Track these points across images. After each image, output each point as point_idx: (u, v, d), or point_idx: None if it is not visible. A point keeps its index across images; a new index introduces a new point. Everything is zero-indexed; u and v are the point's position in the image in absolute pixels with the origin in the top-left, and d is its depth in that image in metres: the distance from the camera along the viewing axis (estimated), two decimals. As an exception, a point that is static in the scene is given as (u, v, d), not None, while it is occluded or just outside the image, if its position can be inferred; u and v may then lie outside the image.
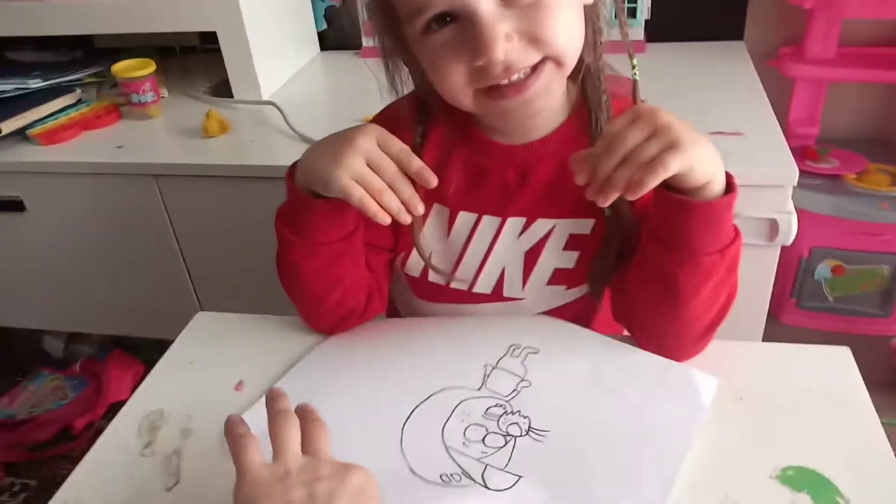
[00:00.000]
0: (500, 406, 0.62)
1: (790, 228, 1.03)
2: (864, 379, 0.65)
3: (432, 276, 0.77)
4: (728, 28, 1.48)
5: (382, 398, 0.65)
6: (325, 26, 1.65)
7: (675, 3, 1.45)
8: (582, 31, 0.63)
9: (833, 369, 0.67)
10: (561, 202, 0.71)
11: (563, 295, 0.75)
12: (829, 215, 1.44)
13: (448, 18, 0.59)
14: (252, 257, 1.28)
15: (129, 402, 0.72)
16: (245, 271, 1.32)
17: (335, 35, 1.65)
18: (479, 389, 0.64)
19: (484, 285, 0.76)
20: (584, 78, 0.68)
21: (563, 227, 0.72)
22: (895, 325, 1.59)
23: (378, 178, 0.64)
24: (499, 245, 0.74)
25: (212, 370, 0.74)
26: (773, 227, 1.03)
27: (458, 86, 0.62)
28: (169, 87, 1.50)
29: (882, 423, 0.60)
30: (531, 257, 0.74)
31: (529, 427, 0.60)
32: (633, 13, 1.43)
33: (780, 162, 1.03)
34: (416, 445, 0.60)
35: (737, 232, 0.63)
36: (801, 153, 1.49)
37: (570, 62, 0.63)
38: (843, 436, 0.60)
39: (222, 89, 1.45)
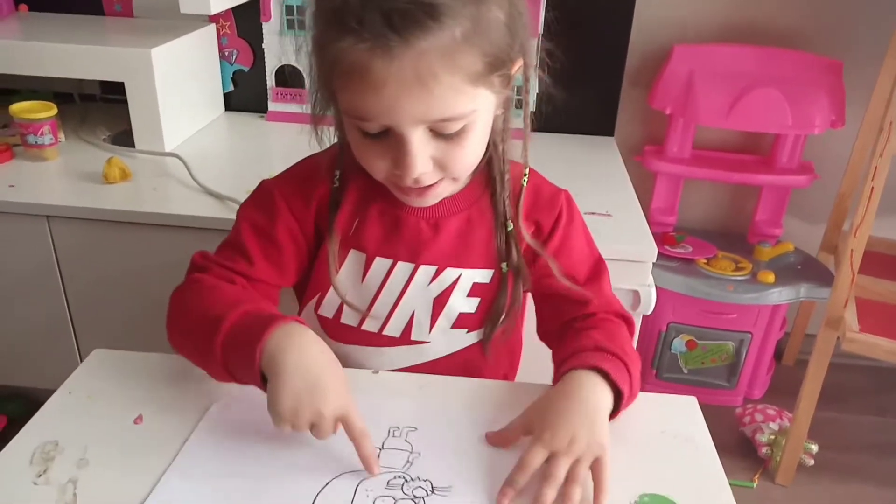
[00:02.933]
0: (400, 477, 0.66)
1: (650, 299, 1.16)
2: (714, 444, 0.75)
3: (345, 318, 0.83)
4: (601, 125, 1.66)
5: (278, 492, 0.64)
6: (231, 88, 1.70)
7: (557, 99, 1.61)
8: (485, 143, 0.72)
9: (682, 415, 0.78)
10: (467, 253, 0.80)
11: (463, 338, 0.84)
12: (684, 294, 1.61)
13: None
14: (140, 306, 1.28)
15: (20, 434, 0.71)
16: (131, 320, 1.30)
17: (241, 97, 1.71)
18: None
19: (393, 328, 0.83)
20: (490, 156, 0.78)
21: (468, 276, 0.81)
22: (740, 395, 1.78)
23: (306, 433, 0.65)
24: (410, 290, 0.81)
25: (110, 404, 0.74)
26: (636, 298, 1.16)
27: (375, 173, 0.71)
28: (66, 133, 1.49)
29: (731, 484, 0.69)
30: (439, 303, 0.81)
31: (433, 487, 0.65)
32: (519, 104, 1.59)
33: (642, 241, 1.17)
34: None
35: (631, 381, 0.73)
36: (661, 238, 1.68)
37: (467, 176, 0.75)
38: (689, 468, 0.70)
39: (123, 139, 1.46)
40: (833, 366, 1.48)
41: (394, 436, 0.71)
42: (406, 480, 0.65)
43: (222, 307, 0.70)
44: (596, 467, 0.65)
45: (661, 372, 1.76)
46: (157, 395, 0.76)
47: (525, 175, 0.80)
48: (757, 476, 1.58)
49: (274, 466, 0.66)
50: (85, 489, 0.64)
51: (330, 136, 0.78)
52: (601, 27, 1.57)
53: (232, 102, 1.71)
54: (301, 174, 0.80)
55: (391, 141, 0.66)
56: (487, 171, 0.79)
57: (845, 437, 1.72)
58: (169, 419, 0.73)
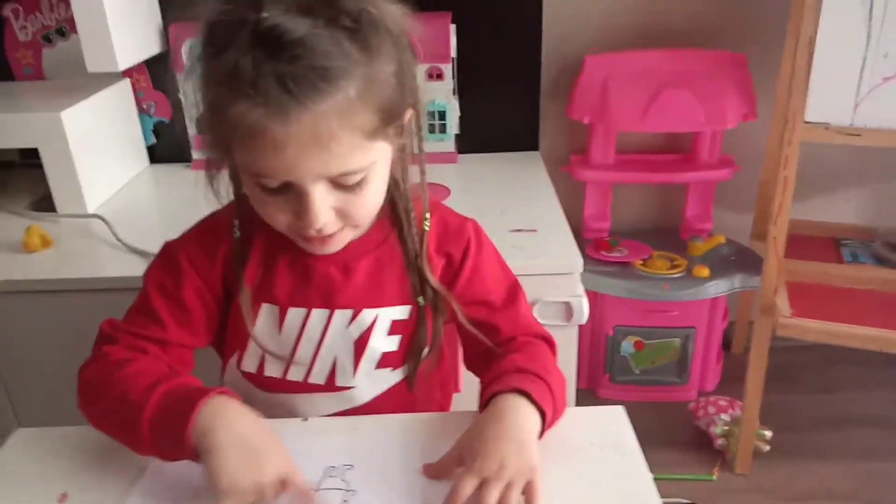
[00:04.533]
0: None
1: (582, 309, 1.18)
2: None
3: (268, 371, 0.82)
4: (525, 140, 1.69)
5: None
6: (153, 140, 1.68)
7: (480, 120, 1.64)
8: (384, 190, 0.74)
9: (610, 424, 0.79)
10: (382, 292, 0.80)
11: (389, 377, 0.84)
12: (625, 297, 1.64)
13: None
14: (75, 372, 1.25)
15: (-62, 527, 0.69)
16: (67, 386, 1.27)
17: (165, 149, 1.69)
18: None
19: (318, 375, 0.82)
20: (392, 194, 0.78)
21: (386, 315, 0.81)
22: (693, 390, 1.81)
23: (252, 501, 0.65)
24: (329, 336, 0.81)
25: (33, 485, 0.73)
26: (568, 310, 1.18)
27: (277, 226, 0.71)
28: (-15, 203, 1.46)
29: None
30: (360, 345, 0.81)
31: None
32: (444, 129, 1.61)
33: (569, 252, 1.19)
34: None
35: (553, 401, 0.74)
36: (596, 245, 1.71)
37: (369, 223, 0.76)
38: (617, 477, 0.71)
39: (45, 204, 1.43)
40: (777, 349, 1.51)
41: (330, 476, 0.71)
42: None
43: (143, 386, 0.69)
44: (528, 490, 0.66)
45: (613, 376, 1.78)
46: (82, 470, 0.74)
47: (426, 214, 0.80)
48: (716, 468, 1.61)
49: None
50: (7, 578, 0.63)
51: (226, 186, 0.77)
52: (512, 45, 1.59)
53: (157, 154, 1.70)
54: (203, 233, 0.80)
55: (292, 194, 0.67)
56: (392, 211, 0.79)
57: (796, 417, 1.76)
58: (94, 495, 0.71)
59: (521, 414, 0.70)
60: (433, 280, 0.80)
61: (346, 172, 0.66)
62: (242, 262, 0.78)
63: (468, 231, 0.83)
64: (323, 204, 0.67)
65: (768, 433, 1.62)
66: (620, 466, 0.73)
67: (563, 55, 1.69)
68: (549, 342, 0.83)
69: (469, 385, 0.95)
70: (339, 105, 0.62)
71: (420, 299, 0.81)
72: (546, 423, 0.72)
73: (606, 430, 0.78)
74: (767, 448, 1.61)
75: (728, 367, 1.88)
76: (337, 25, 0.62)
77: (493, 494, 0.65)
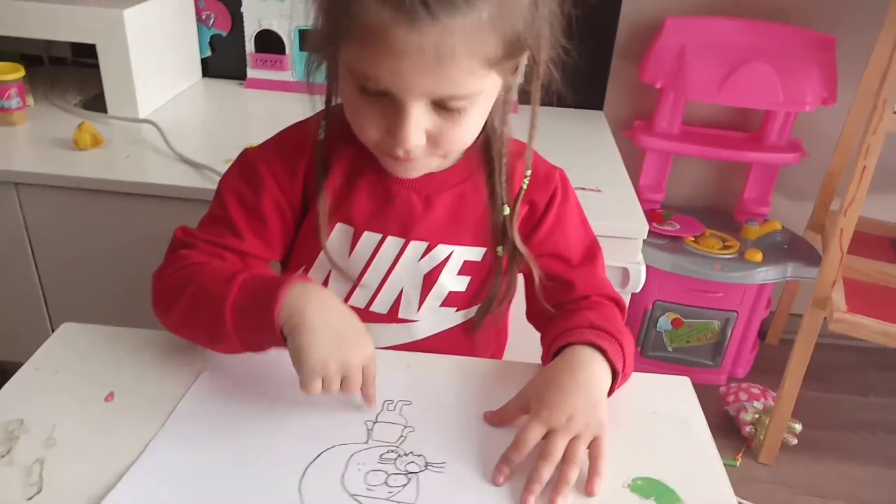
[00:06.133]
0: (393, 451, 0.64)
1: (639, 277, 1.14)
2: None
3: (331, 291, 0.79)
4: (590, 98, 1.63)
5: (269, 460, 0.63)
6: (209, 53, 1.64)
7: (545, 72, 1.58)
8: (482, 124, 0.69)
9: (675, 396, 0.76)
10: (460, 230, 0.77)
11: (451, 317, 0.81)
12: (671, 272, 1.60)
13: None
14: (114, 278, 1.24)
15: (-19, 412, 0.67)
16: (105, 292, 1.26)
17: (219, 63, 1.65)
18: (366, 442, 0.65)
19: (381, 305, 0.80)
20: (487, 135, 0.75)
21: (459, 254, 0.78)
22: (724, 374, 1.78)
23: (337, 386, 0.64)
24: (399, 266, 0.78)
25: (79, 381, 0.71)
26: (625, 275, 1.14)
27: (365, 135, 0.67)
28: (36, 97, 1.43)
29: None
30: (429, 280, 0.78)
31: (427, 463, 0.63)
32: (543, 74, 1.55)
33: (633, 217, 1.15)
34: (318, 500, 0.59)
35: (624, 358, 0.71)
36: (648, 216, 1.64)
37: (458, 154, 0.72)
38: (683, 451, 0.68)
39: (95, 104, 1.40)
40: (816, 345, 1.48)
41: (388, 409, 0.69)
42: (399, 455, 0.64)
43: (222, 278, 0.67)
44: (594, 446, 0.64)
45: (645, 350, 1.75)
46: (129, 371, 0.72)
47: (527, 171, 0.77)
48: (740, 455, 1.58)
49: (265, 438, 0.65)
50: (52, 470, 0.61)
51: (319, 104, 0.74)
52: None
53: (210, 68, 1.66)
54: (286, 143, 0.76)
55: (389, 106, 0.63)
56: (483, 150, 0.76)
57: (828, 415, 1.73)
58: (141, 397, 0.69)
59: (595, 369, 0.68)
60: (516, 236, 0.77)
61: (452, 96, 0.62)
62: (324, 173, 0.74)
63: (556, 180, 0.79)
64: (418, 124, 0.63)
65: (798, 426, 1.59)
66: (686, 440, 0.70)
67: (641, 14, 1.61)
68: (621, 306, 0.80)
69: (516, 336, 0.92)
70: (469, 26, 0.58)
71: (499, 249, 0.77)
72: (616, 383, 0.69)
73: (672, 401, 0.74)
74: (795, 441, 1.58)
75: (760, 357, 1.84)
76: None
77: (560, 445, 0.62)
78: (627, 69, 1.66)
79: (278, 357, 0.71)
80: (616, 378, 0.69)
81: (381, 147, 0.67)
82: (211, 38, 1.62)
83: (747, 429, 1.59)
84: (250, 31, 1.58)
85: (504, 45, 0.61)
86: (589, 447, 0.64)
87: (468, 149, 0.74)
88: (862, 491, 1.54)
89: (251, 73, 1.62)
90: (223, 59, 1.64)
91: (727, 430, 1.63)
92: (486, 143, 0.75)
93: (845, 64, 1.56)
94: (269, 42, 1.59)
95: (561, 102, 1.80)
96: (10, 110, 1.29)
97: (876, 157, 1.29)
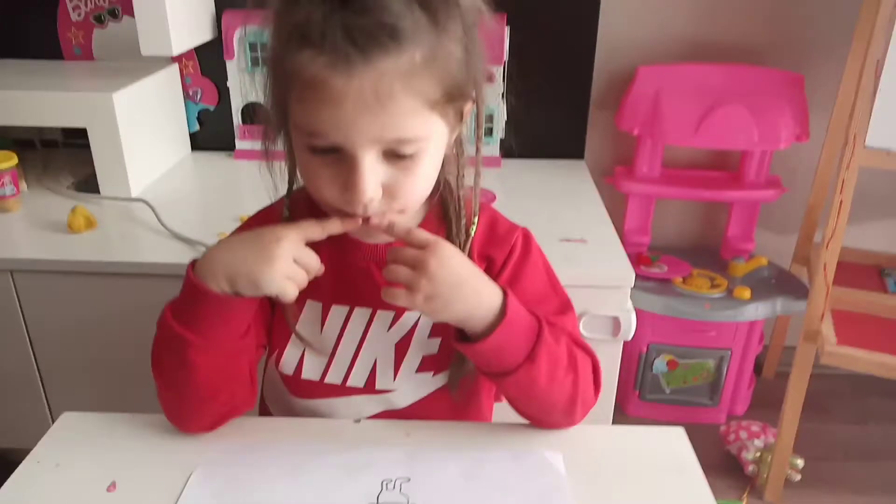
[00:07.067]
0: None
1: (630, 325, 1.16)
2: (700, 464, 0.75)
3: (306, 374, 0.80)
4: (571, 148, 1.67)
5: None
6: (197, 128, 1.68)
7: (525, 126, 1.62)
8: (435, 176, 0.71)
9: (670, 447, 0.77)
10: None
11: (430, 382, 0.81)
12: (662, 314, 1.61)
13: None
14: (112, 358, 1.25)
15: (-14, 511, 0.68)
16: (103, 373, 1.27)
17: (208, 136, 1.69)
18: None
19: (357, 378, 0.80)
20: (443, 194, 0.76)
21: (427, 317, 0.78)
22: (723, 413, 1.78)
23: (305, 275, 0.68)
24: (370, 337, 0.79)
25: (81, 472, 0.71)
26: (616, 324, 1.16)
27: (323, 197, 0.69)
28: (28, 181, 1.45)
29: (718, 503, 0.69)
30: (401, 348, 0.79)
31: None
32: (489, 132, 1.60)
33: (619, 266, 1.17)
34: None
35: (539, 331, 0.70)
36: (636, 259, 1.68)
37: (416, 208, 0.73)
38: (682, 501, 0.69)
39: (88, 185, 1.43)
40: (812, 375, 1.48)
41: (388, 489, 0.69)
42: None
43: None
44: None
45: (643, 393, 1.76)
46: (131, 459, 0.73)
47: (475, 214, 0.77)
48: (745, 495, 1.58)
49: None
50: (57, 567, 0.62)
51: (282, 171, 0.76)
52: (566, 51, 1.58)
53: (198, 142, 1.69)
54: (256, 223, 0.78)
55: (341, 162, 0.65)
56: (440, 210, 0.77)
57: (828, 446, 1.73)
58: (142, 484, 0.70)
59: (486, 287, 0.69)
60: None
61: (401, 139, 0.63)
62: None
63: (515, 237, 0.79)
64: (372, 175, 0.64)
65: (801, 462, 1.58)
66: (683, 490, 0.71)
67: (615, 63, 1.66)
68: (593, 359, 0.78)
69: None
70: (404, 66, 0.60)
71: None
72: (497, 327, 0.68)
73: (667, 452, 0.76)
74: (798, 477, 1.58)
75: (758, 392, 1.85)
76: None
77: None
78: (606, 118, 1.71)
79: (269, 446, 0.74)
80: (498, 324, 0.68)
81: (340, 206, 0.68)
82: (199, 112, 1.67)
83: (750, 468, 1.59)
84: (237, 105, 1.63)
85: (442, 88, 0.63)
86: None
87: (426, 211, 0.75)
88: (869, 521, 1.54)
89: (239, 144, 1.66)
90: (211, 133, 1.68)
91: (730, 469, 1.63)
92: (443, 204, 0.76)
93: (815, 99, 1.61)
94: (256, 113, 1.63)
95: (543, 153, 1.85)
96: (4, 198, 1.31)
97: (851, 190, 1.32)
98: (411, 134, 0.64)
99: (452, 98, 0.66)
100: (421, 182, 0.69)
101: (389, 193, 0.67)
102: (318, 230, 0.69)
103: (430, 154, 0.67)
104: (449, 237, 0.76)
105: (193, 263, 0.70)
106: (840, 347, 1.38)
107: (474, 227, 0.77)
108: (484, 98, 0.71)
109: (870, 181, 1.63)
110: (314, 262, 0.69)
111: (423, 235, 0.69)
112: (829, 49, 1.63)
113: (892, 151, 1.28)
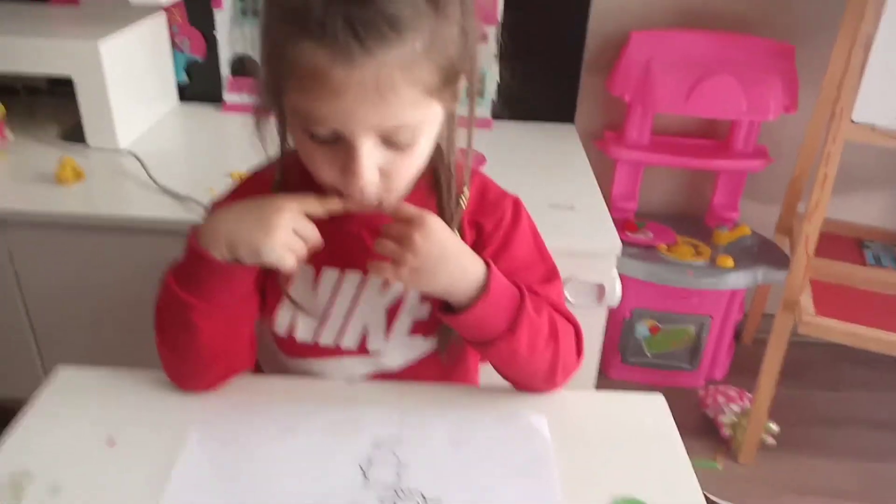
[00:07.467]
0: (391, 492, 0.67)
1: (615, 291, 1.18)
2: (678, 426, 0.77)
3: (299, 335, 0.82)
4: (561, 112, 1.66)
5: None
6: (185, 79, 1.65)
7: (516, 88, 1.61)
8: (427, 157, 0.71)
9: (650, 413, 0.80)
10: None
11: (422, 345, 0.83)
12: (646, 280, 1.64)
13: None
14: (102, 311, 1.25)
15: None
16: (93, 326, 1.27)
17: (196, 88, 1.66)
18: (363, 485, 0.68)
19: (350, 340, 0.82)
20: (435, 162, 0.76)
21: (412, 289, 0.79)
22: (702, 377, 1.83)
23: (304, 246, 0.69)
24: (362, 301, 0.80)
25: (79, 426, 0.73)
26: (600, 291, 1.18)
27: (321, 178, 0.69)
28: (14, 129, 1.43)
29: (693, 464, 0.72)
30: (392, 312, 0.80)
31: (424, 498, 0.66)
32: (481, 93, 1.59)
33: (606, 234, 1.18)
34: None
35: (521, 303, 0.72)
36: (622, 225, 1.70)
37: (405, 189, 0.73)
38: (660, 469, 0.72)
39: (74, 134, 1.41)
40: (789, 343, 1.52)
41: (380, 448, 0.72)
42: (399, 498, 0.66)
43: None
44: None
45: (626, 356, 1.79)
46: (127, 414, 0.75)
47: (466, 182, 0.78)
48: (720, 456, 1.63)
49: (261, 491, 0.67)
50: (58, 518, 0.63)
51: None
52: (560, 14, 1.56)
53: (186, 93, 1.67)
54: (247, 193, 0.76)
55: (340, 148, 0.65)
56: (431, 178, 0.77)
57: (803, 412, 1.78)
58: (142, 440, 0.72)
59: (471, 264, 0.71)
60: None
61: (399, 128, 0.64)
62: None
63: (506, 205, 0.80)
64: (370, 160, 0.65)
65: (775, 428, 1.63)
66: (662, 456, 0.74)
67: (608, 28, 1.65)
68: (575, 327, 0.80)
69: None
70: (404, 56, 0.61)
71: None
72: (480, 298, 0.71)
73: (646, 418, 0.78)
74: (772, 441, 1.63)
75: (736, 358, 1.89)
76: None
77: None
78: (597, 82, 1.70)
79: (263, 407, 0.76)
80: (480, 297, 0.71)
81: (338, 187, 0.69)
82: (187, 63, 1.64)
83: (726, 431, 1.64)
84: (225, 56, 1.60)
85: (441, 73, 0.64)
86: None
87: (417, 178, 0.75)
88: (842, 484, 1.60)
89: (228, 96, 1.64)
90: (199, 84, 1.65)
91: (707, 432, 1.68)
92: (435, 174, 0.77)
93: (805, 71, 1.62)
94: (245, 66, 1.61)
95: (533, 115, 1.84)
96: (-10, 147, 1.30)
97: (836, 164, 1.34)
98: (410, 121, 0.65)
99: (450, 81, 0.66)
100: (415, 164, 0.70)
101: (386, 175, 0.68)
102: (319, 207, 0.70)
103: (425, 138, 0.68)
104: (440, 206, 0.77)
105: (195, 229, 0.71)
106: (817, 318, 1.41)
107: (465, 198, 0.78)
108: (478, 72, 0.72)
109: (854, 155, 1.65)
110: (313, 234, 0.70)
111: (410, 210, 0.70)
112: (822, 21, 1.63)
113: (877, 127, 1.30)
